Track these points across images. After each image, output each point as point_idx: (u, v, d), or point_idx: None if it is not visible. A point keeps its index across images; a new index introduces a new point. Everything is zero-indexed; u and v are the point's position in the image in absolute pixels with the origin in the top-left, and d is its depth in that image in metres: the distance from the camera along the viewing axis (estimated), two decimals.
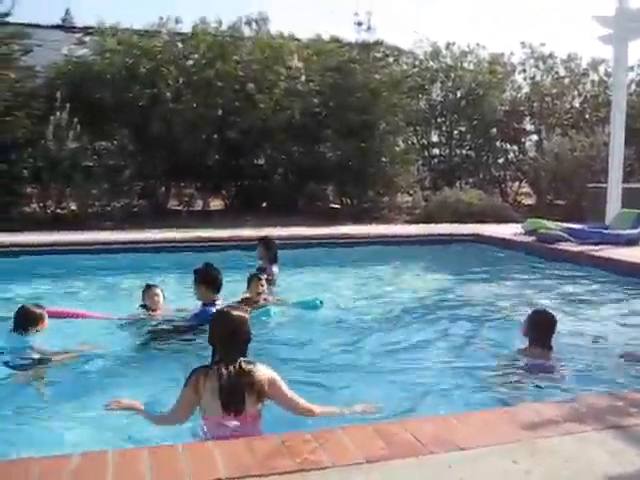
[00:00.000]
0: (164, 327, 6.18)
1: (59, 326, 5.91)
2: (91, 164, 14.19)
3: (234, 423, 3.48)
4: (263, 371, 3.64)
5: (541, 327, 5.15)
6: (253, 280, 6.91)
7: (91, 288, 8.30)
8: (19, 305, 5.51)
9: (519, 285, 8.88)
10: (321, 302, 6.93)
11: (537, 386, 4.71)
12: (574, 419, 3.50)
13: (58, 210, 14.40)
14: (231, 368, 3.56)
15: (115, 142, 14.79)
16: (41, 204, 14.42)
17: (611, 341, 5.98)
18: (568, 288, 8.59)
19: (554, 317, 5.25)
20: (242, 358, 3.65)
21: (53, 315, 6.20)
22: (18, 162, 14.03)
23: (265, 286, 6.95)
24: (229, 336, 3.68)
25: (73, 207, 14.52)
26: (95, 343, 5.64)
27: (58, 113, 13.72)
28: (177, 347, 5.67)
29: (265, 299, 6.92)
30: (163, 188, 16.77)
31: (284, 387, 3.69)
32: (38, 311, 5.40)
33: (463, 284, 9.05)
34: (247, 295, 6.88)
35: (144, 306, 6.51)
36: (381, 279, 9.25)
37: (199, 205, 17.56)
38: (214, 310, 5.89)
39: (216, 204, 17.96)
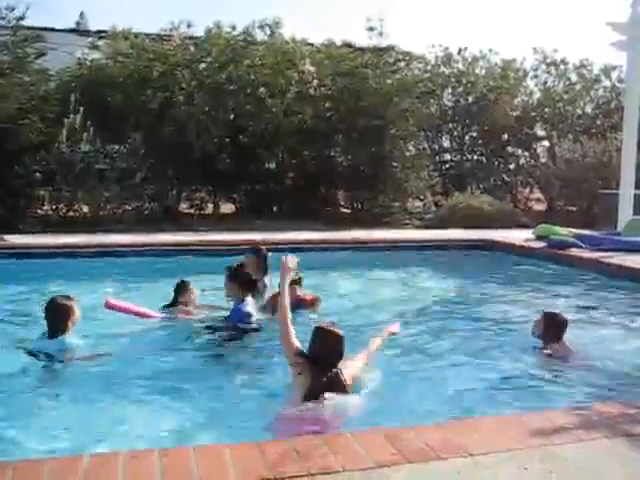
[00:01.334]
0: (200, 326, 6.23)
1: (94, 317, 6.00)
2: (103, 167, 14.26)
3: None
4: (347, 374, 4.25)
5: (556, 327, 5.53)
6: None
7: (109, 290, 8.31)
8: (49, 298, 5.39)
9: (529, 291, 8.83)
10: None
11: (554, 384, 4.74)
12: (585, 426, 3.49)
13: (70, 213, 14.48)
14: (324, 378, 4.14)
15: (127, 145, 14.84)
16: (53, 207, 14.50)
17: (622, 348, 5.95)
18: (579, 294, 8.55)
19: (565, 317, 5.68)
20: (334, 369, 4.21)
21: (113, 308, 6.26)
22: (31, 165, 14.14)
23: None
24: (328, 352, 4.25)
25: (85, 210, 14.59)
26: (130, 341, 5.72)
27: (72, 116, 13.81)
28: (216, 347, 5.73)
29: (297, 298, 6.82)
30: (174, 191, 16.83)
31: (356, 371, 4.45)
32: (69, 303, 5.26)
33: (474, 289, 9.03)
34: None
35: (172, 304, 6.56)
36: (392, 284, 9.24)
37: (210, 209, 17.62)
38: (247, 309, 6.13)
39: (227, 208, 18.00)
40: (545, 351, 5.47)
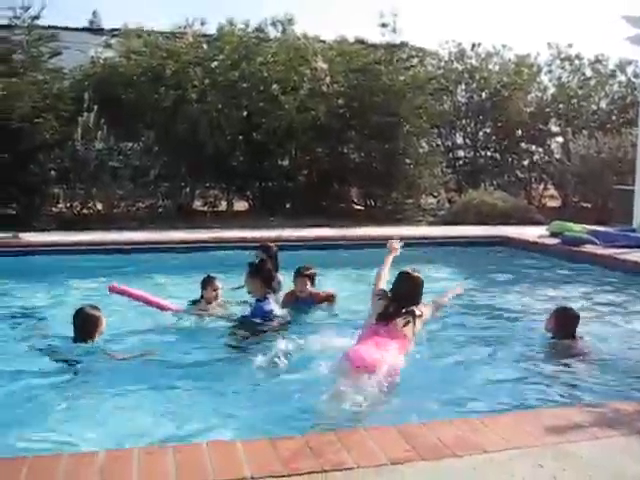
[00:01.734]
0: (219, 323, 6.26)
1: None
2: (117, 165, 14.32)
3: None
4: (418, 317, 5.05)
5: (568, 322, 5.58)
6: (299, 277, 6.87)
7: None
8: (77, 308, 5.42)
9: (543, 287, 8.80)
10: None
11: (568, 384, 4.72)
12: (600, 424, 3.47)
13: (84, 210, 14.56)
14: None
15: (141, 143, 14.89)
16: (68, 204, 14.58)
17: (638, 345, 5.92)
18: (593, 291, 8.50)
19: (577, 313, 5.76)
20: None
21: (121, 293, 6.29)
22: (46, 163, 14.23)
23: (308, 284, 6.87)
24: (408, 293, 5.14)
25: (99, 207, 14.67)
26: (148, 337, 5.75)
27: (85, 114, 13.87)
28: (235, 345, 5.74)
29: (311, 294, 6.89)
30: (188, 189, 16.87)
31: (425, 318, 5.19)
32: (97, 314, 5.34)
33: (488, 286, 8.98)
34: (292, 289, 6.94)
35: (198, 300, 6.62)
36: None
37: (223, 206, 17.65)
38: (270, 306, 6.13)
39: (240, 205, 18.02)
40: (558, 347, 5.46)
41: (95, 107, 13.91)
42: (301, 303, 6.78)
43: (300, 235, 11.92)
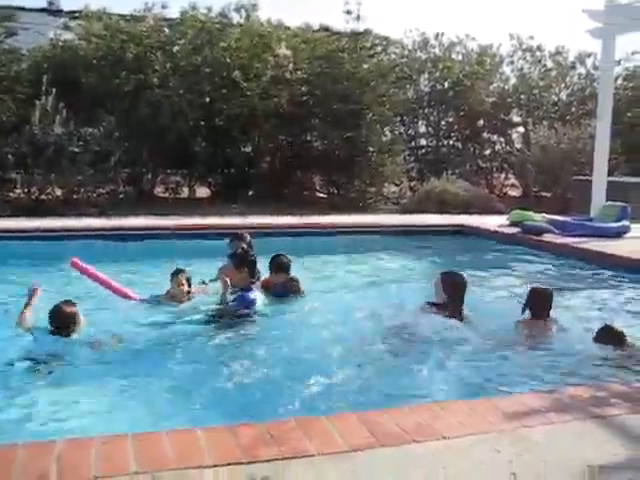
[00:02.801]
0: (196, 312, 6.09)
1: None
2: (77, 150, 14.05)
3: None
4: None
5: (543, 300, 5.79)
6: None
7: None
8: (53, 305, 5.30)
9: (503, 275, 8.93)
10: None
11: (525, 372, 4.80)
12: (557, 409, 3.54)
13: (43, 196, 14.27)
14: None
15: (101, 128, 14.65)
16: (25, 190, 14.28)
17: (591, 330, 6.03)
18: (551, 279, 8.65)
19: (551, 292, 5.93)
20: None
21: (82, 272, 6.08)
22: (3, 147, 13.89)
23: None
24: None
25: (58, 193, 14.40)
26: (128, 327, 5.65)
27: (44, 98, 13.57)
28: (215, 333, 5.62)
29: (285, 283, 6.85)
30: (149, 175, 16.67)
31: None
32: (74, 310, 5.26)
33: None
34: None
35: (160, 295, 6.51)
36: (367, 269, 9.26)
37: (185, 192, 17.49)
38: (255, 295, 6.05)
39: (202, 192, 17.89)
40: (532, 328, 5.66)
41: (54, 90, 13.61)
42: (276, 291, 6.73)
43: (263, 222, 11.89)
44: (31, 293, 5.51)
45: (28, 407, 4.09)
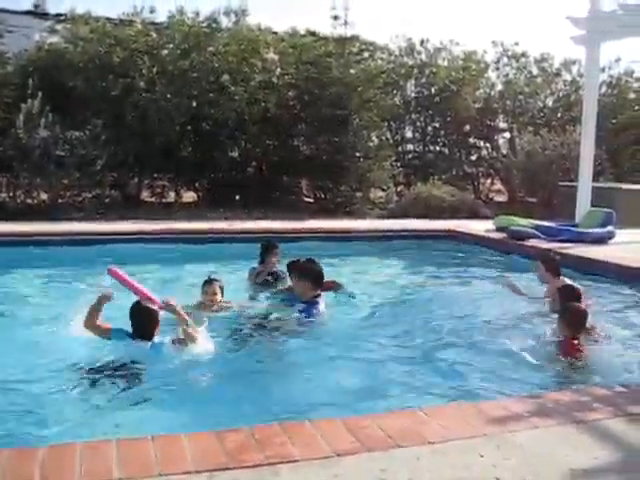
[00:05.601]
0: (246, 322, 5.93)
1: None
2: (63, 154, 13.99)
3: None
4: None
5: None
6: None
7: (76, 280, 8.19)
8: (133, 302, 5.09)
9: (488, 280, 8.96)
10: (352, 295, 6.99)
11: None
12: (540, 414, 3.57)
13: (28, 200, 14.19)
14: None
15: (88, 132, 14.61)
16: (10, 194, 14.19)
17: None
18: (536, 284, 8.68)
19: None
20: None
21: (120, 280, 5.72)
22: None
23: None
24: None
25: (44, 197, 14.32)
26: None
27: (29, 101, 13.50)
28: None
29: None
30: (136, 179, 16.62)
31: None
32: (157, 308, 5.05)
33: (436, 279, 9.11)
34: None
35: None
36: (354, 274, 9.27)
37: (172, 197, 17.45)
38: (323, 306, 5.92)
39: (188, 196, 17.86)
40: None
41: (40, 94, 13.54)
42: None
43: (247, 227, 11.89)
44: (101, 299, 5.08)
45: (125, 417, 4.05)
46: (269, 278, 7.43)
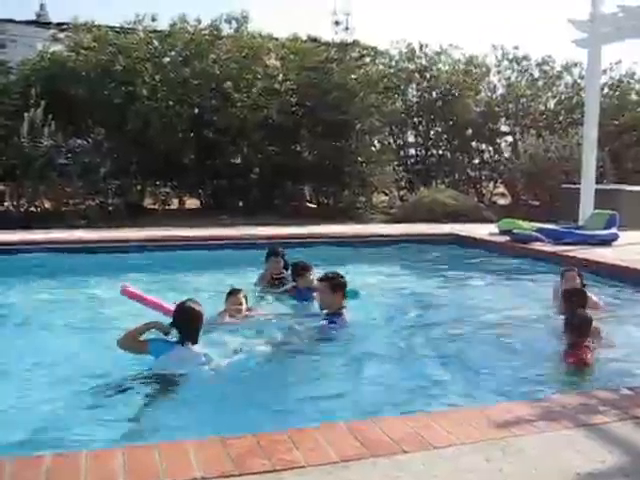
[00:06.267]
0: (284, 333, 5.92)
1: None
2: (66, 162, 14.02)
3: None
4: None
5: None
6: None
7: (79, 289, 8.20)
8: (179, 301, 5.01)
9: (494, 283, 8.97)
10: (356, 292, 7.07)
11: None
12: (545, 418, 3.55)
13: (32, 208, 14.24)
14: None
15: (90, 140, 14.64)
16: (14, 202, 14.23)
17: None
18: (541, 288, 8.67)
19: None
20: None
21: (135, 298, 5.69)
22: None
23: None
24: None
25: (47, 205, 14.36)
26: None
27: (32, 110, 13.56)
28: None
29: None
30: (139, 186, 16.66)
31: None
32: (202, 310, 4.95)
33: (441, 283, 9.09)
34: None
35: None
36: (359, 279, 9.25)
37: (175, 204, 17.48)
38: (345, 319, 6.01)
39: (191, 203, 17.88)
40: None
41: (42, 102, 13.60)
42: (303, 295, 7.09)
43: (248, 233, 11.89)
44: (151, 325, 4.94)
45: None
46: (275, 283, 7.67)
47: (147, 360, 4.82)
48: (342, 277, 6.24)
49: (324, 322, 6.04)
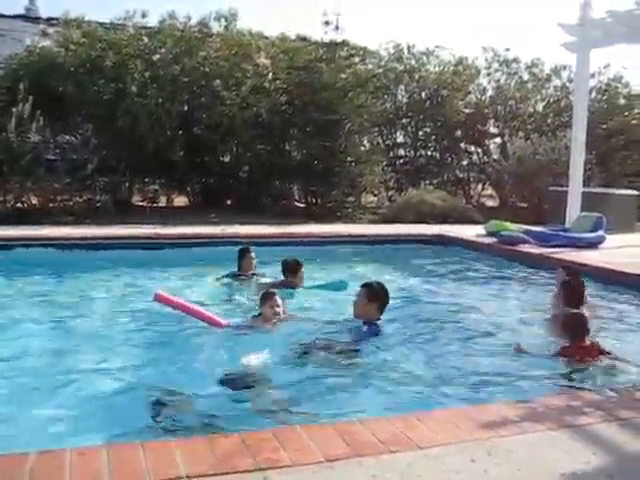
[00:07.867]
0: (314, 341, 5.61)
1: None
2: (54, 158, 13.93)
3: None
4: None
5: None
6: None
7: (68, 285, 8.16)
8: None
9: (480, 284, 9.01)
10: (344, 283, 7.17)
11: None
12: (531, 419, 3.57)
13: (19, 204, 14.13)
14: None
15: (79, 136, 14.55)
16: (1, 198, 14.13)
17: None
18: (527, 289, 8.73)
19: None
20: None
21: (169, 304, 5.68)
22: None
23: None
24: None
25: (34, 202, 14.27)
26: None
27: (20, 105, 13.44)
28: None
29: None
30: (127, 183, 16.58)
31: None
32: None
33: (427, 283, 9.12)
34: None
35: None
36: (344, 278, 9.25)
37: (163, 201, 17.42)
38: (380, 329, 5.79)
39: (180, 201, 17.83)
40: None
41: (30, 98, 13.49)
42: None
43: (240, 232, 11.87)
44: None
45: None
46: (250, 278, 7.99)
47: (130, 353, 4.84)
48: (384, 290, 5.97)
49: (363, 330, 5.77)
